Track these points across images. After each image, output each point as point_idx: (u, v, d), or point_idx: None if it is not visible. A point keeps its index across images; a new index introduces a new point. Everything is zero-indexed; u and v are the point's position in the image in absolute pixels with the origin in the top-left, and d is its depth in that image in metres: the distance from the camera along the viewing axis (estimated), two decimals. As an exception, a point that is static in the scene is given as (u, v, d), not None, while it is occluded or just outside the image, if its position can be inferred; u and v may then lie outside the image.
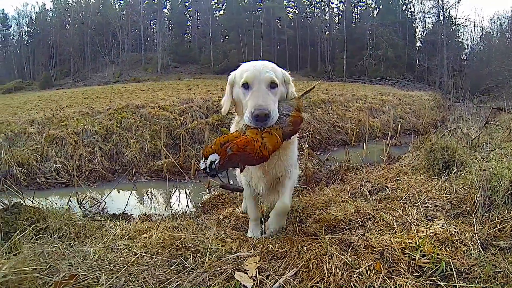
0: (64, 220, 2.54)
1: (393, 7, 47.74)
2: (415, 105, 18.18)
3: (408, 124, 13.98)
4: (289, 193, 2.67)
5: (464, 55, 47.40)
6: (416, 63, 45.07)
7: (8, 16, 55.22)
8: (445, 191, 2.73)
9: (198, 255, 1.93)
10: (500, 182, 2.26)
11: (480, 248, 1.79)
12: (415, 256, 1.75)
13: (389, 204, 2.65)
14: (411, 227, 2.11)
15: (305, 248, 2.01)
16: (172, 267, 1.85)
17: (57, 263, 1.72)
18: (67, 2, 56.56)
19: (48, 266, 1.68)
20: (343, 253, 1.88)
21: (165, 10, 56.46)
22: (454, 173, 3.09)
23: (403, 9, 48.79)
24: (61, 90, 30.90)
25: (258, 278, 1.74)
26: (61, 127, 9.48)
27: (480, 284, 1.55)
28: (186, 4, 56.21)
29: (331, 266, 1.74)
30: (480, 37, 48.02)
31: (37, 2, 79.24)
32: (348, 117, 12.87)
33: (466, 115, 11.90)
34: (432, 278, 1.63)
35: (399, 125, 10.83)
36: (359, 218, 2.46)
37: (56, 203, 5.10)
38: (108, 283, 1.64)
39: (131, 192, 6.31)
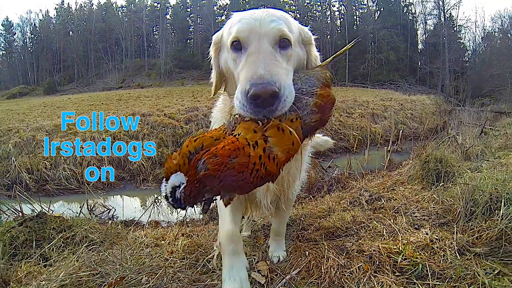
0: (89, 229, 2.81)
1: (394, 9, 47.80)
2: (416, 110, 18.35)
3: (410, 130, 14.12)
4: (287, 215, 2.42)
5: (466, 57, 47.16)
6: (418, 66, 45.00)
7: (12, 24, 55.92)
8: (433, 202, 2.98)
9: (219, 259, 2.21)
10: (481, 196, 2.49)
11: (457, 254, 2.04)
12: (398, 259, 2.04)
13: (382, 214, 2.89)
14: (398, 235, 2.38)
15: (306, 252, 2.29)
16: (198, 269, 2.21)
17: (105, 268, 2.06)
18: (70, 9, 57.17)
19: (98, 271, 2.00)
20: (338, 256, 2.17)
21: (168, 16, 57.00)
22: (441, 186, 3.35)
23: (404, 11, 48.87)
24: (65, 96, 31.32)
25: (269, 276, 2.07)
26: (69, 135, 9.72)
27: (450, 284, 1.81)
28: (188, 10, 56.69)
29: (328, 266, 2.07)
30: (482, 37, 47.98)
31: (40, 10, 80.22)
32: (350, 124, 13.06)
33: (467, 120, 12.05)
34: (410, 277, 1.91)
35: (401, 131, 10.99)
36: (354, 226, 2.70)
37: (71, 210, 5.40)
38: (151, 282, 1.96)
39: (154, 201, 6.53)
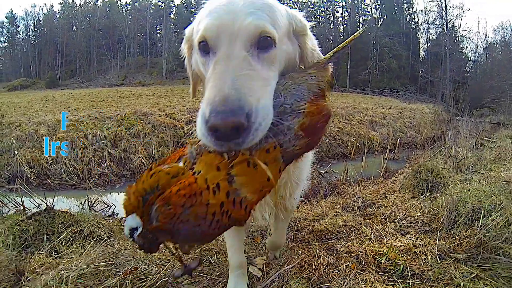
0: (97, 224, 2.97)
1: (397, 18, 47.92)
2: (415, 118, 18.44)
3: (408, 138, 14.25)
4: (286, 225, 2.36)
5: (467, 67, 47.21)
6: (419, 75, 44.99)
7: (17, 16, 55.94)
8: (420, 211, 3.18)
9: (220, 254, 2.50)
10: (464, 206, 2.68)
11: (437, 258, 2.23)
12: (382, 260, 2.23)
13: (372, 220, 3.08)
14: (384, 239, 2.58)
15: (299, 252, 2.47)
16: (202, 263, 2.40)
17: (120, 259, 2.25)
18: (75, 4, 57.29)
19: (113, 262, 2.19)
20: (328, 256, 2.36)
21: (171, 16, 57.08)
22: (428, 196, 3.54)
23: (407, 20, 49.00)
24: (66, 91, 31.31)
25: (265, 270, 2.26)
26: (71, 130, 9.81)
27: (428, 284, 1.99)
28: (192, 10, 56.70)
29: (318, 264, 2.25)
30: (483, 48, 48.13)
31: (45, 4, 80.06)
32: (349, 130, 13.16)
33: (465, 130, 12.17)
34: (391, 276, 2.10)
35: (398, 139, 11.10)
36: (345, 230, 2.90)
37: (71, 205, 5.53)
38: (161, 272, 2.16)
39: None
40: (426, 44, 48.81)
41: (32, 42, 55.80)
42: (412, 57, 45.72)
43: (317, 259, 2.30)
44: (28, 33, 56.54)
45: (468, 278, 2.02)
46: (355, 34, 1.64)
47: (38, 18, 56.43)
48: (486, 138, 9.99)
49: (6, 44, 56.90)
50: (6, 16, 55.25)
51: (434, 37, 47.58)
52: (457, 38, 46.15)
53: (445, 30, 44.50)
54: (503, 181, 3.60)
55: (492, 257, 2.18)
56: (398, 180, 4.95)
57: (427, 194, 3.63)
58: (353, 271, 2.14)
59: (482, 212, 2.50)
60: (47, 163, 8.47)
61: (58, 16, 57.03)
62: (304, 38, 1.46)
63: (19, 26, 56.47)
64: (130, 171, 8.78)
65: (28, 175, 8.00)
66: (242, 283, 2.08)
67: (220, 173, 1.06)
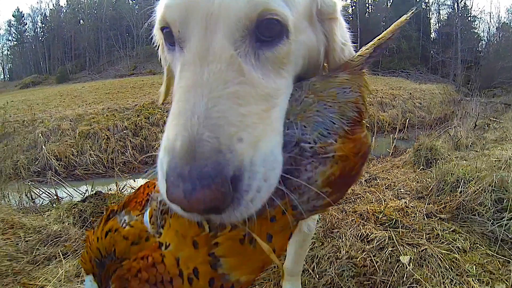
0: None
1: (407, -2, 47.35)
2: (425, 99, 18.58)
3: (417, 119, 14.42)
4: (304, 253, 1.77)
5: (480, 47, 46.25)
6: (430, 55, 44.45)
7: (23, 14, 56.46)
8: (416, 181, 3.74)
9: None
10: (450, 177, 3.22)
11: (425, 216, 2.79)
12: (379, 216, 2.80)
13: (375, 189, 3.64)
14: (383, 202, 3.14)
15: (315, 212, 3.08)
16: None
17: None
18: (81, -2, 57.48)
19: None
20: (339, 214, 2.94)
21: (179, 4, 56.89)
22: (420, 170, 4.10)
23: (417, 0, 48.29)
24: (78, 84, 31.51)
25: None
26: (93, 123, 10.41)
27: (414, 233, 2.55)
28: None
29: (331, 218, 2.83)
30: (496, 27, 47.08)
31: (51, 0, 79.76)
32: (359, 111, 13.41)
33: (473, 110, 12.32)
34: (386, 227, 2.68)
35: (407, 119, 11.37)
36: (352, 196, 3.46)
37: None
38: None
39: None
40: (437, 25, 48.11)
41: (40, 38, 56.12)
42: (423, 38, 45.06)
43: (329, 215, 2.87)
44: (36, 30, 56.88)
45: (447, 231, 2.56)
46: (402, 19, 1.06)
47: (45, 14, 56.79)
48: (494, 119, 10.20)
49: (15, 42, 57.68)
50: (13, 15, 55.81)
51: (445, 18, 46.76)
52: (468, 18, 45.33)
53: (457, 11, 43.76)
54: (495, 158, 4.08)
55: (469, 217, 2.72)
56: (407, 156, 5.37)
57: (424, 168, 4.23)
58: (357, 223, 2.73)
59: (462, 181, 3.05)
60: (73, 155, 9.05)
61: (64, 10, 57.16)
62: (332, 25, 0.93)
63: (26, 24, 56.95)
64: (153, 158, 9.19)
65: (56, 168, 8.56)
66: None
67: (198, 253, 0.69)
